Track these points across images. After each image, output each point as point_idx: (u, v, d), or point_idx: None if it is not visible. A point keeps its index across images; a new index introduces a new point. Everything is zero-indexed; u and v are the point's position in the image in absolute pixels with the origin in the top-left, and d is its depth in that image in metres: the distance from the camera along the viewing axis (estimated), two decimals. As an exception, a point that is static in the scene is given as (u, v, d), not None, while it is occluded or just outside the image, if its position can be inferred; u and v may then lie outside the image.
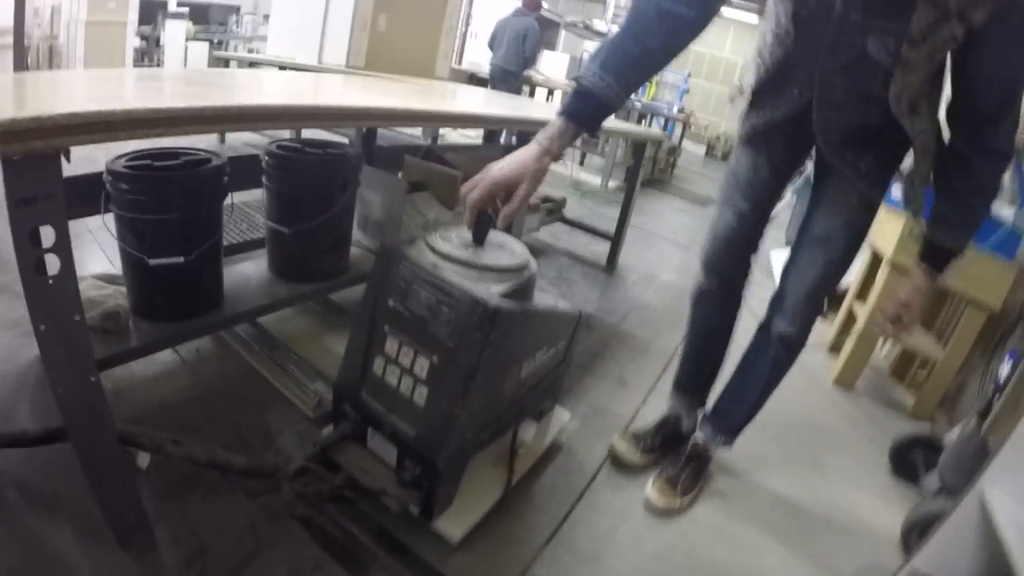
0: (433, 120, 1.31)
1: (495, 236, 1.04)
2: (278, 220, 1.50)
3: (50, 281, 0.75)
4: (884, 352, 2.63)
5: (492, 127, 1.52)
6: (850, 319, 2.51)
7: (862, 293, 2.47)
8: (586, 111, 0.95)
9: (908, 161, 1.10)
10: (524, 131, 2.50)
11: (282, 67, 3.22)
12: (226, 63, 3.75)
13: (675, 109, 6.85)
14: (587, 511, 1.28)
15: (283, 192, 1.50)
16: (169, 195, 1.16)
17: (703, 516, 1.36)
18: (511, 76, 4.95)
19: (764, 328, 1.31)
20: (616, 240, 2.96)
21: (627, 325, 2.32)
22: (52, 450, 1.00)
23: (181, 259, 1.20)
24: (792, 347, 1.28)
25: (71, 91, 1.01)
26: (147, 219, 1.16)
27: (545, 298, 1.18)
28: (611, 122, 1.42)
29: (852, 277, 2.56)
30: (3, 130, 0.61)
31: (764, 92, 1.15)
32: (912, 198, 1.12)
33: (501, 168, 0.91)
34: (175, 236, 1.19)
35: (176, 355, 1.50)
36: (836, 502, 1.57)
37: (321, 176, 1.49)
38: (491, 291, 0.87)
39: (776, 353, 1.28)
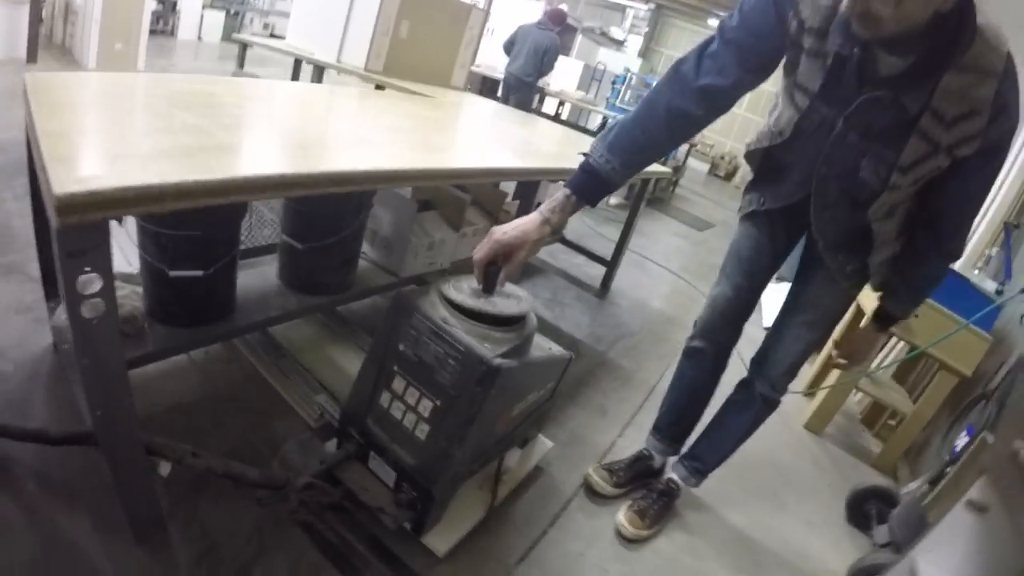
0: (440, 178, 1.43)
1: (508, 289, 1.16)
2: (292, 235, 1.61)
3: (94, 323, 0.83)
4: (858, 398, 2.78)
5: (494, 179, 1.63)
6: (827, 368, 2.65)
7: (840, 343, 2.62)
8: (589, 188, 1.09)
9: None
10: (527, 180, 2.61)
11: (298, 60, 3.32)
12: (244, 47, 3.79)
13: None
14: (560, 534, 1.42)
15: (300, 209, 1.61)
16: (193, 213, 1.27)
17: (665, 546, 1.50)
18: (526, 87, 5.06)
19: (747, 385, 1.46)
20: (612, 264, 3.08)
21: (614, 353, 2.45)
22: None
23: (200, 272, 1.31)
24: (773, 406, 1.44)
25: (114, 139, 1.04)
26: (170, 234, 1.25)
27: (541, 343, 1.30)
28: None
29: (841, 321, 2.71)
30: (60, 205, 0.69)
31: (765, 180, 1.29)
32: (876, 279, 1.27)
33: (504, 233, 1.04)
34: (196, 250, 1.29)
35: (186, 356, 1.61)
36: (791, 543, 1.71)
37: (337, 196, 1.61)
38: (493, 349, 1.00)
39: (758, 411, 1.44)
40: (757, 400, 1.42)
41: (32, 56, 4.20)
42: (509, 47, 5.21)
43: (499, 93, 5.39)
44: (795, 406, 2.49)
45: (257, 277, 1.70)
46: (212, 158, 0.95)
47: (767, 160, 1.26)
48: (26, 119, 1.02)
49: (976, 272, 2.52)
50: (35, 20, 4.15)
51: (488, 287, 1.09)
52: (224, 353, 1.69)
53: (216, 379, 1.60)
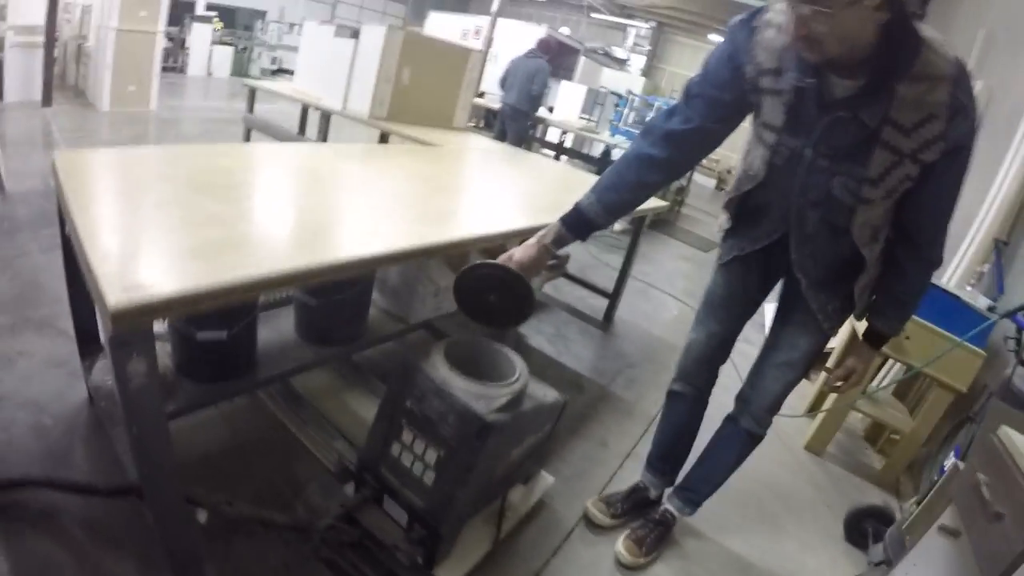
0: (443, 250, 1.59)
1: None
2: (307, 292, 1.78)
3: (142, 398, 0.98)
4: (860, 415, 2.86)
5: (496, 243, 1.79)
6: (821, 393, 2.73)
7: (840, 364, 2.71)
8: (577, 225, 1.28)
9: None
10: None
11: (306, 106, 3.54)
12: (252, 92, 4.02)
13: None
14: (561, 563, 1.56)
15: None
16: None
17: (663, 573, 1.63)
18: (522, 115, 5.27)
19: (733, 420, 1.57)
20: (614, 296, 3.20)
21: (615, 386, 2.59)
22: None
23: (224, 333, 1.48)
24: (757, 440, 1.55)
25: (148, 238, 1.13)
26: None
27: (537, 391, 1.44)
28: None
29: (836, 345, 2.78)
30: (115, 316, 0.84)
31: (743, 225, 1.40)
32: (859, 305, 1.33)
33: (511, 255, 1.26)
34: (220, 314, 1.44)
35: (214, 408, 1.78)
36: (786, 565, 1.82)
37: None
38: (488, 405, 1.16)
39: (743, 444, 1.55)
40: (742, 434, 1.53)
41: (47, 99, 4.46)
42: (503, 81, 5.45)
43: (495, 127, 5.59)
44: (795, 428, 2.56)
45: (275, 331, 1.85)
46: (237, 255, 1.08)
47: (744, 205, 1.36)
48: (60, 203, 1.21)
49: (969, 288, 2.59)
50: (49, 64, 4.40)
51: None
52: (248, 404, 1.86)
53: (242, 428, 1.77)
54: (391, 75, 3.11)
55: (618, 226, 5.05)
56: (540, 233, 1.29)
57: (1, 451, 1.46)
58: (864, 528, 1.93)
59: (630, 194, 1.29)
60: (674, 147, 1.22)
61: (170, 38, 6.55)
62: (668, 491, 1.75)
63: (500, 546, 1.49)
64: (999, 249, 2.62)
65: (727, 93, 1.17)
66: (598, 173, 5.27)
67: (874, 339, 1.35)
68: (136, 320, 0.88)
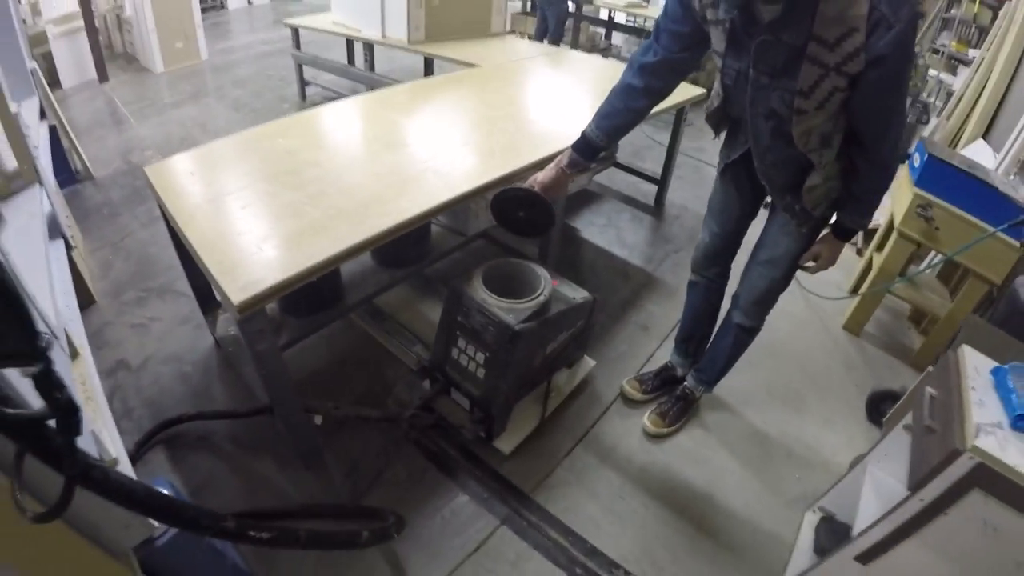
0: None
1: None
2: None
3: (265, 351, 1.40)
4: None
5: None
6: (868, 267, 2.75)
7: (881, 246, 2.69)
8: (585, 149, 1.51)
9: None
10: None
11: (350, 39, 3.70)
12: (296, 31, 4.21)
13: None
14: (599, 432, 1.94)
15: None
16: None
17: (685, 442, 1.96)
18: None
19: (728, 314, 1.80)
20: (662, 182, 3.34)
21: (661, 271, 2.84)
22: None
23: (315, 277, 1.87)
24: (749, 332, 1.77)
25: (245, 238, 1.42)
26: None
27: (567, 293, 1.75)
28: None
29: (882, 218, 2.80)
30: (240, 307, 1.22)
31: (727, 136, 1.60)
32: (809, 204, 1.43)
33: (538, 176, 1.54)
34: None
35: (316, 334, 2.22)
36: (803, 439, 2.02)
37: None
38: (516, 317, 1.49)
39: (736, 336, 1.79)
40: (734, 327, 1.76)
41: (103, 75, 4.80)
42: None
43: (537, 15, 5.47)
44: (836, 308, 2.67)
45: (357, 262, 2.22)
46: (317, 239, 1.42)
47: (723, 118, 1.53)
48: (164, 213, 1.58)
49: (1013, 177, 2.52)
50: (95, 43, 4.66)
51: None
52: (343, 326, 2.31)
53: (340, 346, 2.23)
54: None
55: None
56: (558, 158, 1.54)
57: (158, 398, 1.97)
58: (883, 409, 2.01)
59: (622, 119, 1.48)
60: (650, 76, 1.40)
61: (204, -24, 6.68)
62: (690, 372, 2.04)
63: (547, 421, 1.90)
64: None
65: (684, 26, 1.32)
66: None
67: (839, 232, 1.48)
68: (254, 307, 1.26)
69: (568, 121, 2.29)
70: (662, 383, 2.07)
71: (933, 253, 2.72)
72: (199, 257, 1.38)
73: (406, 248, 2.21)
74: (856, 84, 1.14)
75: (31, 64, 2.79)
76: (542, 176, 1.55)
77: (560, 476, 1.78)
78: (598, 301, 1.86)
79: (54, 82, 4.65)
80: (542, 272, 1.65)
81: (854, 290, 2.82)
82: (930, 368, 1.43)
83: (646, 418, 1.97)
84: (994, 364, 1.20)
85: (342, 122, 2.22)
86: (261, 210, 1.54)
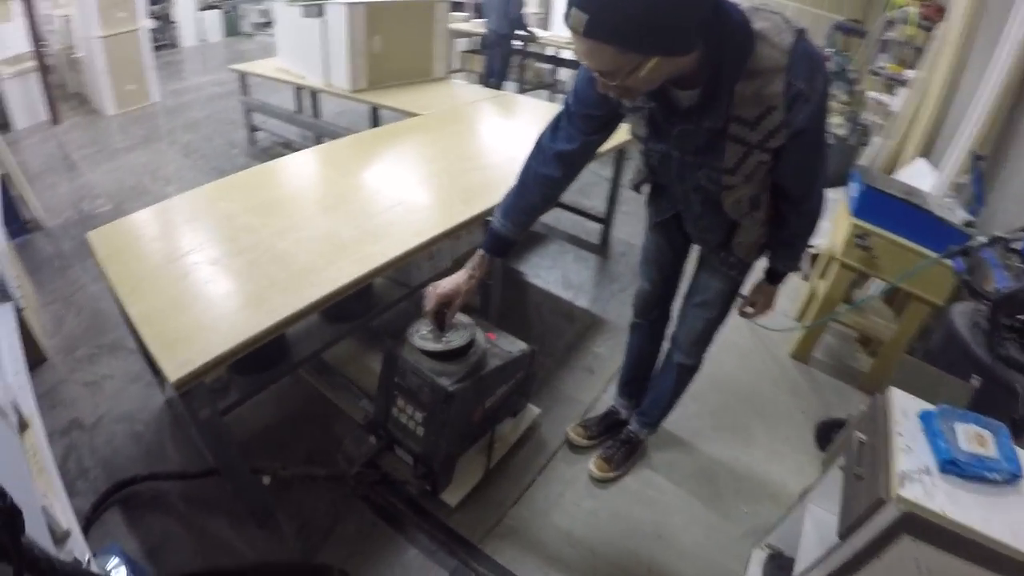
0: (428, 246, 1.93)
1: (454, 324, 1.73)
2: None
3: (207, 420, 1.46)
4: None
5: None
6: (813, 293, 2.86)
7: (823, 273, 2.80)
8: (496, 246, 1.52)
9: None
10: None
11: (299, 87, 3.82)
12: (243, 76, 4.29)
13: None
14: (545, 480, 2.02)
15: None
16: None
17: (632, 484, 2.04)
18: (503, 39, 5.34)
19: (668, 355, 1.91)
20: (607, 220, 3.47)
21: (607, 311, 2.96)
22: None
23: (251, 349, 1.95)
24: (690, 370, 1.85)
25: (188, 313, 1.47)
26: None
27: (504, 347, 1.85)
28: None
29: (825, 243, 2.92)
30: (176, 384, 1.29)
31: (652, 197, 1.70)
32: (740, 256, 1.52)
33: (442, 286, 1.52)
34: None
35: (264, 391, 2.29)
36: (752, 471, 2.10)
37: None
38: (450, 379, 1.59)
39: (678, 375, 1.86)
40: (675, 366, 1.85)
41: (56, 117, 4.84)
42: (484, 9, 5.51)
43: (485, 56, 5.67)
44: (783, 335, 2.76)
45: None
46: (259, 311, 1.49)
47: (648, 184, 1.64)
48: (107, 284, 1.63)
49: (948, 200, 2.64)
50: (47, 84, 4.73)
51: (440, 327, 1.63)
52: (291, 382, 2.37)
53: (289, 402, 2.29)
54: (362, 48, 3.36)
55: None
56: (466, 265, 1.53)
57: (112, 458, 2.02)
58: (833, 438, 2.05)
59: (536, 209, 1.51)
60: (566, 165, 1.41)
61: (156, 17, 6.73)
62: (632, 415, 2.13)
63: (493, 471, 1.98)
64: (976, 163, 2.66)
65: (598, 110, 1.31)
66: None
67: (772, 276, 1.60)
68: (191, 382, 1.33)
69: (507, 170, 2.37)
70: (607, 427, 2.17)
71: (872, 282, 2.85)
72: (139, 332, 1.44)
73: (350, 303, 2.26)
74: (780, 155, 1.19)
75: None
76: (449, 285, 1.54)
77: (508, 526, 1.86)
78: (536, 352, 1.97)
79: (4, 124, 4.66)
80: (474, 330, 1.75)
81: (800, 316, 2.95)
82: (862, 407, 1.43)
83: (592, 463, 2.05)
84: (923, 407, 1.23)
85: (280, 182, 2.30)
86: (199, 281, 1.61)
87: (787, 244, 1.50)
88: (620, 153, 3.20)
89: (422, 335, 1.67)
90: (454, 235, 2.39)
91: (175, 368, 1.32)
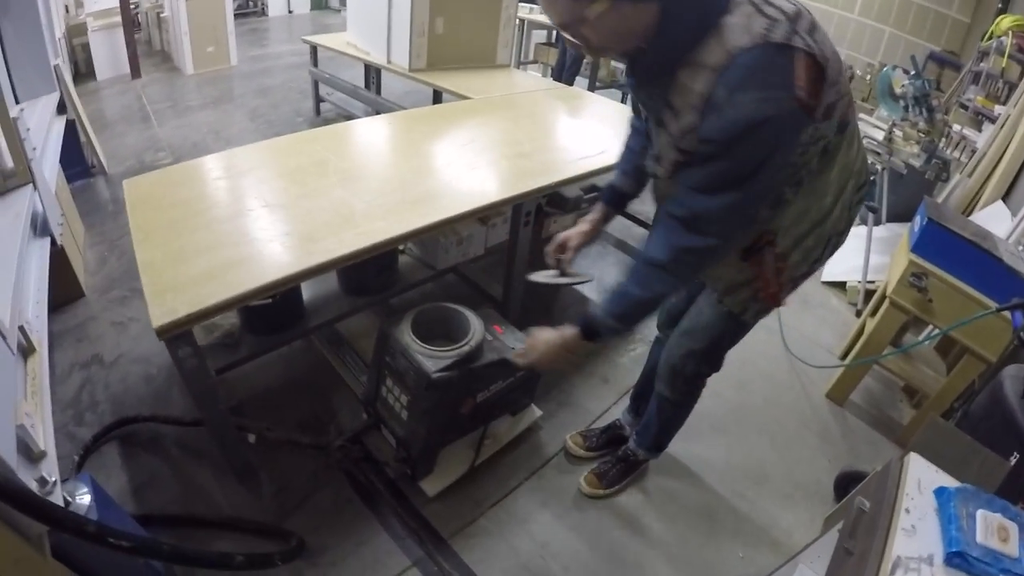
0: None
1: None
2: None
3: (193, 370, 1.49)
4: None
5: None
6: (862, 331, 2.67)
7: (875, 310, 2.58)
8: (610, 196, 1.54)
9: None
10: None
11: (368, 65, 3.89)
12: (314, 50, 4.41)
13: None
14: (533, 486, 1.95)
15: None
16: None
17: (623, 507, 1.93)
18: None
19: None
20: (653, 227, 3.37)
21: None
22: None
23: (270, 300, 1.97)
24: (673, 404, 1.72)
25: (184, 265, 1.51)
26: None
27: (507, 343, 1.79)
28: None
29: (882, 278, 2.76)
30: (159, 331, 1.32)
31: None
32: (714, 284, 1.42)
33: (562, 233, 1.55)
34: None
35: (276, 352, 2.32)
36: (757, 515, 1.95)
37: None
38: (436, 365, 1.56)
39: (659, 405, 1.75)
40: (656, 396, 1.74)
41: (136, 71, 5.14)
42: None
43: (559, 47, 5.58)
44: (822, 374, 2.59)
45: (323, 285, 2.33)
46: (239, 272, 1.51)
47: None
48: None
49: (1022, 249, 2.41)
50: (130, 41, 5.04)
51: (563, 272, 1.57)
52: (303, 345, 2.41)
53: (296, 367, 2.33)
54: (424, 28, 3.38)
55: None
56: (586, 216, 1.56)
57: (122, 396, 2.13)
58: (851, 491, 1.87)
59: (638, 171, 1.45)
60: (641, 139, 1.39)
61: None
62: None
63: (480, 468, 1.93)
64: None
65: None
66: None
67: (585, 325, 1.26)
68: (174, 331, 1.36)
69: (546, 159, 2.35)
70: (608, 441, 2.08)
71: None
72: (141, 276, 1.49)
73: (370, 276, 2.30)
74: (679, 168, 1.11)
75: (55, 61, 3.00)
76: (565, 233, 1.55)
77: (482, 525, 1.81)
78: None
79: (89, 73, 4.97)
80: (476, 322, 1.71)
81: (844, 355, 2.76)
82: (876, 469, 1.30)
83: (583, 477, 1.96)
84: (943, 481, 1.09)
85: (304, 152, 2.29)
86: (207, 237, 1.65)
87: (611, 293, 1.22)
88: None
89: (414, 321, 1.65)
90: (486, 218, 2.35)
91: (160, 315, 1.35)
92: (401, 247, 2.58)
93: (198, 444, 1.94)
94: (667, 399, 1.70)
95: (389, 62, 3.64)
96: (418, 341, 1.60)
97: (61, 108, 3.03)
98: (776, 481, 2.10)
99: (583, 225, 1.55)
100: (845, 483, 2.00)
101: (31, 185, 2.00)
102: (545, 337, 1.32)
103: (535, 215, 2.36)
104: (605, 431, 2.11)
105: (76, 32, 4.92)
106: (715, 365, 1.57)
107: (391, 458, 1.78)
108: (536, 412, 2.17)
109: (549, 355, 1.31)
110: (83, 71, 5.06)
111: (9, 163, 1.92)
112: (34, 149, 2.28)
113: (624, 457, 1.98)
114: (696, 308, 1.53)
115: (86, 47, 4.97)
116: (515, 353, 1.43)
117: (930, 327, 2.55)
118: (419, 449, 1.68)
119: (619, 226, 3.63)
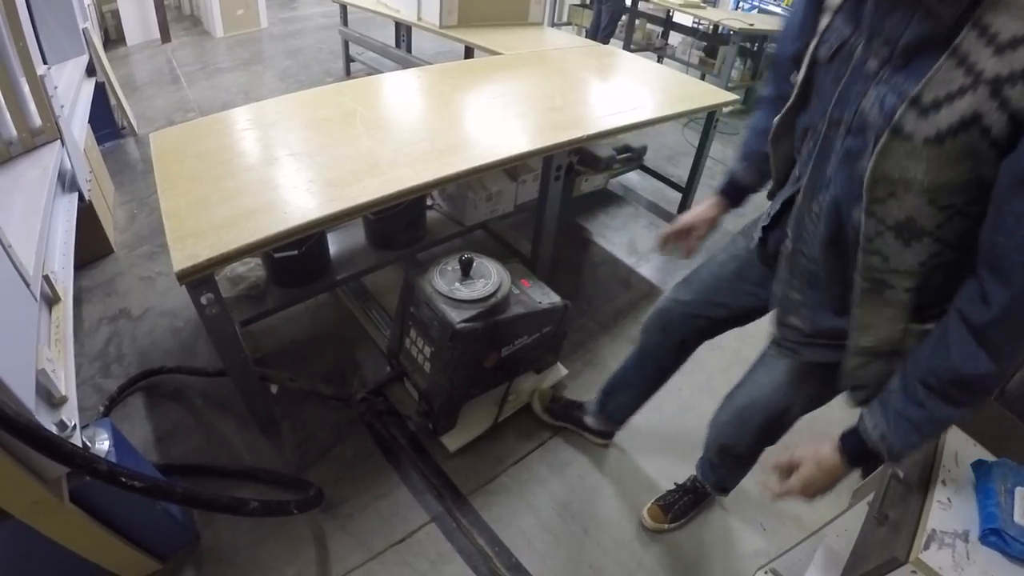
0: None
1: (483, 269, 1.63)
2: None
3: (215, 317, 1.45)
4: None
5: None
6: None
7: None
8: (726, 187, 1.31)
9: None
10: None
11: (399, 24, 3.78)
12: (344, 8, 4.33)
13: None
14: (555, 446, 1.88)
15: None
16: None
17: (646, 469, 1.88)
18: None
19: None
20: (687, 190, 3.22)
21: (667, 284, 2.75)
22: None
23: (296, 252, 1.94)
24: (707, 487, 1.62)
25: (206, 213, 1.46)
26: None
27: (534, 297, 1.73)
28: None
29: None
30: (179, 275, 1.28)
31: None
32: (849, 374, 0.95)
33: (684, 216, 1.34)
34: None
35: (303, 305, 2.30)
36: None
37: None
38: (460, 315, 1.50)
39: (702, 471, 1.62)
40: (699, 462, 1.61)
41: (165, 36, 5.11)
42: None
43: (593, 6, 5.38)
44: None
45: (350, 239, 2.29)
46: (260, 220, 1.46)
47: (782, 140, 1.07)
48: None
49: None
50: (160, 5, 5.00)
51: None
52: (330, 299, 2.38)
53: (322, 320, 2.30)
54: (455, -18, 3.25)
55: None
56: (706, 202, 1.34)
57: (148, 348, 2.13)
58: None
59: (763, 156, 1.14)
60: (775, 115, 1.04)
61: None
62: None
63: (503, 425, 1.89)
64: None
65: (796, 41, 1.00)
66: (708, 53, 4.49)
67: (854, 447, 0.89)
68: (194, 276, 1.32)
69: (574, 114, 2.22)
70: (693, 504, 1.74)
71: None
72: (165, 224, 1.46)
73: (398, 231, 2.24)
74: (1012, 136, 0.66)
75: (84, 24, 2.98)
76: (687, 217, 1.34)
77: (502, 483, 1.77)
78: (569, 307, 1.83)
79: (119, 38, 4.96)
80: (503, 273, 1.64)
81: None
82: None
83: (646, 509, 1.72)
84: (980, 455, 0.99)
85: (332, 104, 2.20)
86: (231, 184, 1.60)
87: (907, 386, 0.81)
88: (710, 117, 2.93)
89: (444, 272, 1.59)
90: (516, 174, 2.25)
91: (181, 259, 1.32)
92: (430, 202, 2.53)
93: (222, 395, 1.93)
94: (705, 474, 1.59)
95: (419, 19, 3.53)
96: (445, 291, 1.54)
97: (91, 71, 3.03)
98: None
99: (706, 210, 1.31)
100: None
101: (59, 141, 1.98)
102: (819, 465, 0.92)
103: (565, 172, 2.27)
104: (685, 492, 1.74)
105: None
106: (769, 438, 1.30)
107: (414, 412, 1.74)
108: (562, 370, 2.10)
109: (815, 485, 0.94)
110: (113, 37, 5.05)
111: (37, 120, 1.91)
112: (62, 107, 2.27)
113: (694, 488, 1.73)
114: (768, 364, 1.22)
115: (116, 14, 4.95)
116: (777, 489, 0.99)
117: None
118: (441, 402, 1.64)
119: (651, 187, 3.51)
